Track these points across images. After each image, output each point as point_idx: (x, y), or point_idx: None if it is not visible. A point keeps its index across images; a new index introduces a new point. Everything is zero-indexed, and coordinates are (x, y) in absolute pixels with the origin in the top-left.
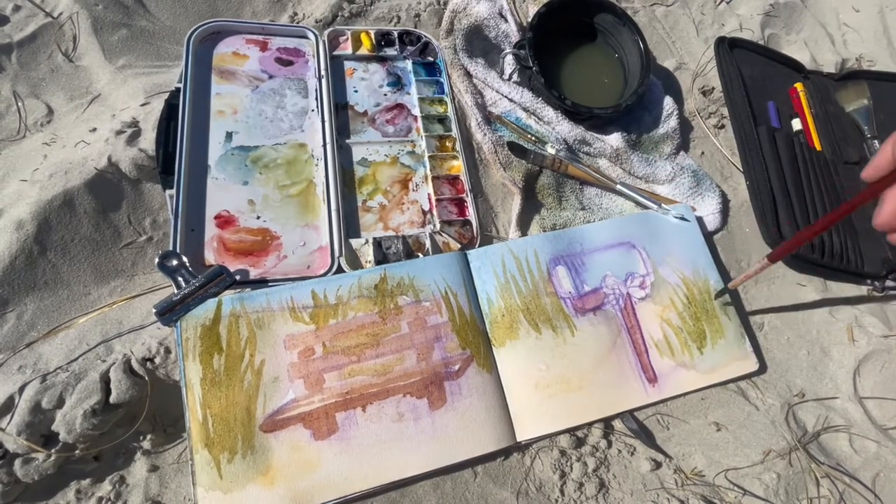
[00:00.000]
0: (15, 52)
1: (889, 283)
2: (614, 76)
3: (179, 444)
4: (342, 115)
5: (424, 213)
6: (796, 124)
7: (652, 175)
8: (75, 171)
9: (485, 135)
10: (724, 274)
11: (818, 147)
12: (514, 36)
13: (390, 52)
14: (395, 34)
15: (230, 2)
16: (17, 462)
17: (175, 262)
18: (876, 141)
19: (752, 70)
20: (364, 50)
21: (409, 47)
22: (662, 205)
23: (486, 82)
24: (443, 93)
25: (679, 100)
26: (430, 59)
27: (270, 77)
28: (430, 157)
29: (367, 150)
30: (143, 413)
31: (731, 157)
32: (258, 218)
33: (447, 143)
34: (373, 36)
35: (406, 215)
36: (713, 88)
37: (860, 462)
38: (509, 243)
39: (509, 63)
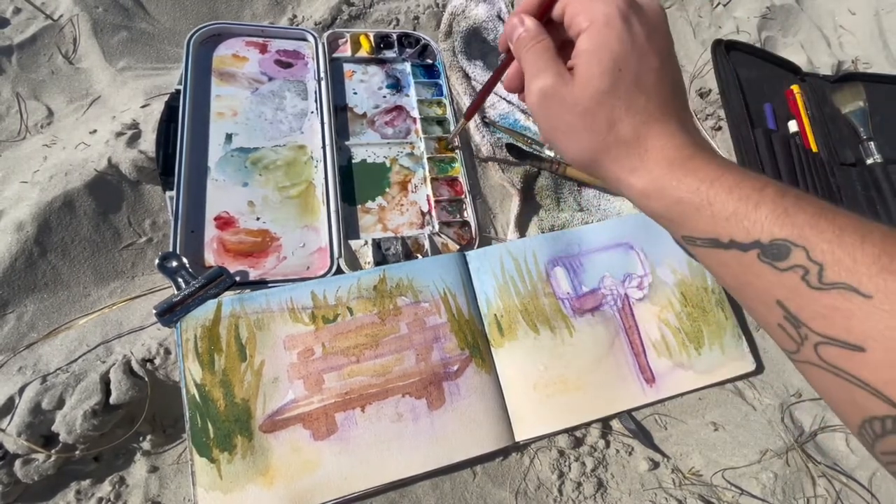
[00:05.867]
0: (15, 55)
1: None
2: None
3: (179, 444)
4: (341, 116)
5: (423, 214)
6: (793, 126)
7: None
8: (75, 173)
9: (483, 136)
10: None
11: (814, 149)
12: None
13: (389, 54)
14: (394, 36)
15: (230, 4)
16: (18, 463)
17: (175, 264)
18: (872, 142)
19: (749, 72)
20: (363, 52)
21: (407, 49)
22: None
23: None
24: (441, 95)
25: None
26: (429, 61)
27: (270, 79)
28: (429, 158)
29: (367, 152)
30: (143, 414)
31: (729, 159)
32: (258, 219)
33: (446, 145)
34: (372, 38)
35: (405, 216)
36: (710, 90)
37: (857, 461)
38: (508, 244)
39: None
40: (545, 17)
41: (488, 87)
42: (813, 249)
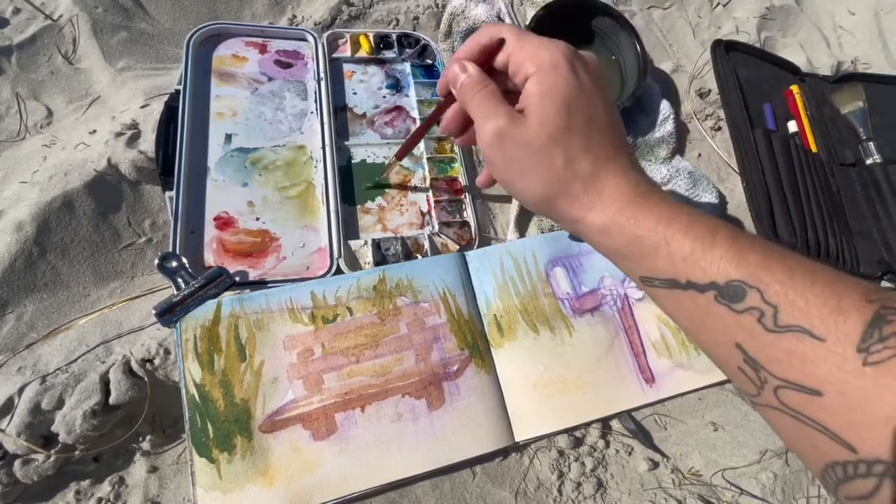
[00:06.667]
0: (15, 55)
1: (884, 283)
2: (612, 79)
3: (179, 444)
4: (341, 117)
5: (423, 214)
6: (792, 126)
7: None
8: (75, 173)
9: None
10: None
11: (814, 149)
12: None
13: (389, 54)
14: (394, 37)
15: (230, 4)
16: (17, 463)
17: (175, 264)
18: (871, 143)
19: (749, 72)
20: (363, 52)
21: (407, 49)
22: None
23: None
24: None
25: (676, 102)
26: (429, 61)
27: (270, 79)
28: (429, 158)
29: (366, 152)
30: (143, 414)
31: (728, 159)
32: (257, 219)
33: (446, 145)
34: (371, 38)
35: (405, 217)
36: (710, 91)
37: None
38: (507, 244)
39: None
40: (487, 64)
41: (422, 130)
42: (767, 291)
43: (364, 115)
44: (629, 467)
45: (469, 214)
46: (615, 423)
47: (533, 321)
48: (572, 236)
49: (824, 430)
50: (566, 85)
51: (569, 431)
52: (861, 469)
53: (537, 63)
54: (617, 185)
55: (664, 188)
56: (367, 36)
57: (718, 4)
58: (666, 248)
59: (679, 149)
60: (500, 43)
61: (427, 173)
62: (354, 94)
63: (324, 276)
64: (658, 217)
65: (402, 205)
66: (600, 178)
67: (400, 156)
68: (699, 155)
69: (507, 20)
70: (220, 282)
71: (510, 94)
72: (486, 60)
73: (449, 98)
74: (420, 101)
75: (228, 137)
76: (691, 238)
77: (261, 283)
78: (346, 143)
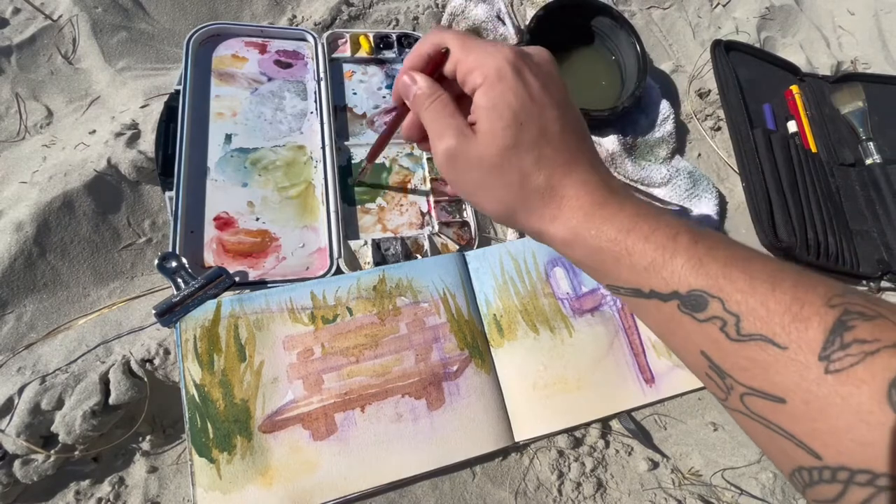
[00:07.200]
0: (14, 55)
1: (884, 283)
2: (611, 79)
3: (179, 444)
4: (341, 117)
5: (423, 214)
6: (792, 126)
7: (647, 178)
8: (75, 173)
9: None
10: None
11: (813, 149)
12: (512, 39)
13: (389, 54)
14: (394, 37)
15: (229, 4)
16: (17, 463)
17: (174, 264)
18: (871, 143)
19: (749, 72)
20: (363, 52)
21: (407, 50)
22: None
23: None
24: None
25: (675, 102)
26: None
27: (269, 79)
28: (428, 158)
29: (366, 152)
30: (143, 414)
31: (728, 160)
32: (257, 219)
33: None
34: (371, 39)
35: (405, 217)
36: (709, 91)
37: None
38: (507, 245)
39: None
40: (436, 73)
41: (385, 137)
42: (728, 300)
43: (364, 116)
44: (629, 467)
45: (469, 214)
46: (615, 423)
47: (533, 321)
48: None
49: (790, 436)
50: (514, 96)
51: (569, 431)
52: (826, 475)
53: (483, 73)
54: (576, 195)
55: (664, 188)
56: (366, 36)
57: (718, 4)
58: (628, 259)
59: (679, 149)
60: (447, 52)
61: (427, 173)
62: (354, 94)
63: (324, 276)
64: (619, 227)
65: (401, 205)
66: (557, 191)
67: (370, 159)
68: (699, 155)
69: (507, 20)
70: (219, 282)
71: (465, 97)
72: (434, 69)
73: (404, 106)
74: None
75: (228, 137)
76: (652, 247)
77: (261, 284)
78: (346, 143)
